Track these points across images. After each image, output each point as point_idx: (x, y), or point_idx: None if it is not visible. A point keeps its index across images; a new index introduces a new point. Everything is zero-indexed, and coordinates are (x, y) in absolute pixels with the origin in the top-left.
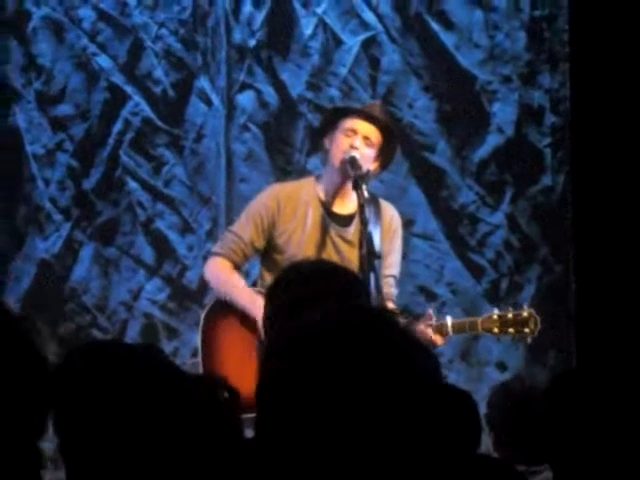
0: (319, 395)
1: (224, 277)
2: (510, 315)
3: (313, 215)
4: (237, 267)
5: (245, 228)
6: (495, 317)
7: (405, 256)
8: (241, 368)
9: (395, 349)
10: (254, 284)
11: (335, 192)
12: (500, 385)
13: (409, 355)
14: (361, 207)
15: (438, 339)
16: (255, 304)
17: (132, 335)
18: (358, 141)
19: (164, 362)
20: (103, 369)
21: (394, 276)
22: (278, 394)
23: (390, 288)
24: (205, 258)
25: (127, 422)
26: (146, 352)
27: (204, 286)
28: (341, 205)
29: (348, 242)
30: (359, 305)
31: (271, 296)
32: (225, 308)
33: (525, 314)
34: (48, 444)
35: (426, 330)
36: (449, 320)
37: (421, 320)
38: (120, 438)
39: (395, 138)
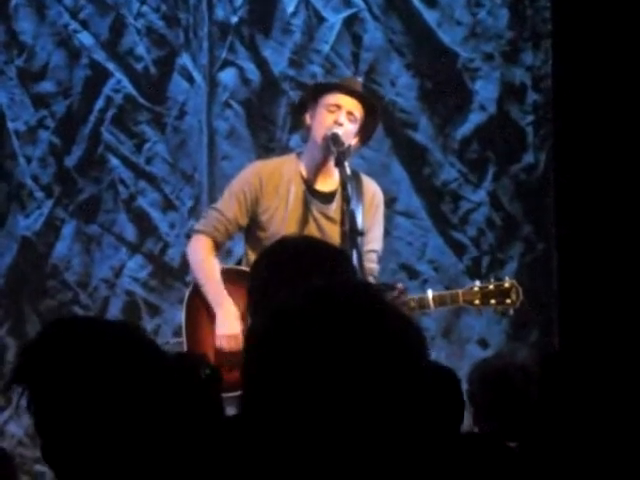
0: (305, 372)
1: (200, 261)
2: (491, 286)
3: (295, 192)
4: (219, 245)
5: (228, 205)
6: (476, 289)
7: (387, 233)
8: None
9: (384, 325)
10: (239, 262)
11: (317, 169)
12: (481, 361)
13: (398, 330)
14: (343, 184)
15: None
16: (219, 304)
17: (114, 312)
18: (342, 116)
19: (142, 338)
20: (79, 345)
21: (376, 251)
22: (264, 372)
23: (372, 264)
24: (187, 236)
25: (104, 399)
26: (124, 328)
27: (186, 264)
28: (323, 182)
29: (330, 219)
30: (346, 280)
31: (255, 273)
32: None
33: (507, 285)
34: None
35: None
36: (430, 293)
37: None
38: (97, 416)
39: (377, 113)
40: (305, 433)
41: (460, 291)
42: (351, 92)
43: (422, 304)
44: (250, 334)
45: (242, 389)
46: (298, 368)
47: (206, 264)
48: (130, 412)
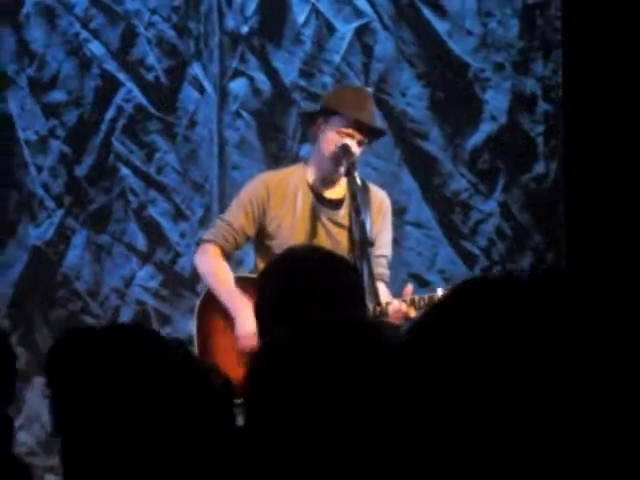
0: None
1: (212, 269)
2: None
3: (303, 200)
4: (228, 254)
5: (236, 215)
6: None
7: (397, 243)
8: (236, 356)
9: (378, 368)
10: (252, 272)
11: (325, 177)
12: None
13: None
14: (353, 195)
15: (411, 311)
16: (236, 307)
17: (124, 321)
18: (354, 143)
19: (157, 345)
20: (97, 351)
21: (385, 256)
22: (264, 397)
23: (381, 269)
24: (197, 245)
25: (120, 404)
26: (139, 334)
27: (196, 273)
28: (331, 189)
29: (339, 225)
30: (348, 321)
31: (262, 286)
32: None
33: None
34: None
35: (400, 305)
36: (440, 291)
37: (401, 297)
38: (113, 420)
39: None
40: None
41: None
42: (369, 130)
43: (432, 302)
44: (254, 365)
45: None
46: (301, 404)
47: (218, 269)
48: (145, 417)
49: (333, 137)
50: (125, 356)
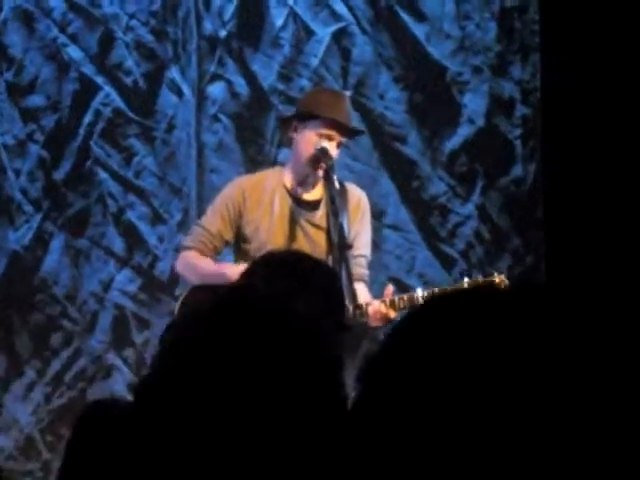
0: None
1: (196, 264)
2: (481, 282)
3: (280, 202)
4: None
5: (212, 221)
6: (466, 285)
7: (376, 246)
8: None
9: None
10: None
11: (302, 179)
12: None
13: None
14: (332, 198)
15: (391, 312)
16: (224, 267)
17: (103, 326)
18: (333, 147)
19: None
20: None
21: (364, 256)
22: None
23: (361, 269)
24: (176, 249)
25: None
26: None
27: (175, 277)
28: (308, 191)
29: (316, 226)
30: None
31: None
32: (200, 297)
33: (496, 279)
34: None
35: (380, 306)
36: (419, 291)
37: (382, 298)
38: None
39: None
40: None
41: (449, 288)
42: (347, 131)
43: (411, 303)
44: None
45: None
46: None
47: (199, 262)
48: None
49: (311, 139)
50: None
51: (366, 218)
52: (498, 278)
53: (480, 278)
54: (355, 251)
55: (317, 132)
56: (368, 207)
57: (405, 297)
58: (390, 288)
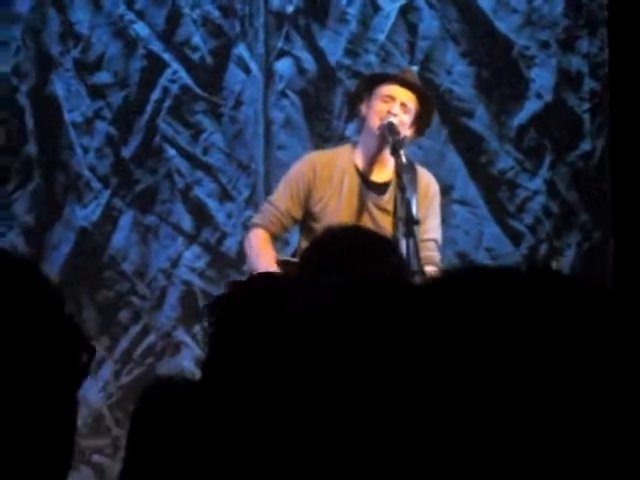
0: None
1: (257, 254)
2: None
3: (349, 183)
4: (276, 237)
5: (282, 198)
6: None
7: (444, 222)
8: None
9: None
10: (294, 254)
11: (372, 159)
12: None
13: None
14: (399, 173)
15: None
16: None
17: (171, 302)
18: (396, 107)
19: None
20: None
21: (434, 240)
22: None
23: (431, 252)
24: (244, 226)
25: None
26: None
27: (243, 254)
28: (377, 172)
29: (383, 210)
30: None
31: (304, 266)
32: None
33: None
34: None
35: None
36: None
37: None
38: None
39: (431, 104)
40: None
41: None
42: (405, 83)
43: None
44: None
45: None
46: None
47: (262, 254)
48: None
49: (378, 107)
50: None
51: (434, 203)
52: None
53: None
54: (424, 235)
55: (382, 97)
56: (438, 192)
57: None
58: None
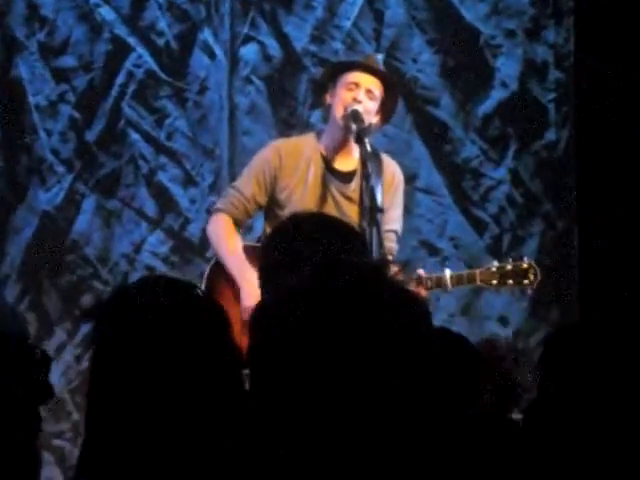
0: (313, 351)
1: (222, 238)
2: (509, 266)
3: (314, 171)
4: (239, 223)
5: (247, 184)
6: (494, 269)
7: (408, 210)
8: (242, 326)
9: (383, 301)
10: (259, 240)
11: (337, 147)
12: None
13: (398, 304)
14: (363, 161)
15: (421, 291)
16: (244, 277)
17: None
18: (361, 94)
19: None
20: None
21: (395, 231)
22: (271, 351)
23: (390, 243)
24: (208, 211)
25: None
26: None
27: (206, 239)
28: (342, 161)
29: (348, 198)
30: (348, 259)
31: (266, 252)
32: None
33: (524, 265)
34: None
35: (410, 283)
36: (447, 273)
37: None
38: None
39: (396, 90)
40: (311, 411)
41: (477, 271)
42: (369, 69)
43: (439, 283)
44: (258, 312)
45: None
46: (305, 346)
47: (228, 240)
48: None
49: (343, 96)
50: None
51: (399, 193)
52: (527, 264)
53: (509, 263)
54: (385, 225)
55: (346, 84)
56: (402, 181)
57: (433, 277)
58: (421, 271)
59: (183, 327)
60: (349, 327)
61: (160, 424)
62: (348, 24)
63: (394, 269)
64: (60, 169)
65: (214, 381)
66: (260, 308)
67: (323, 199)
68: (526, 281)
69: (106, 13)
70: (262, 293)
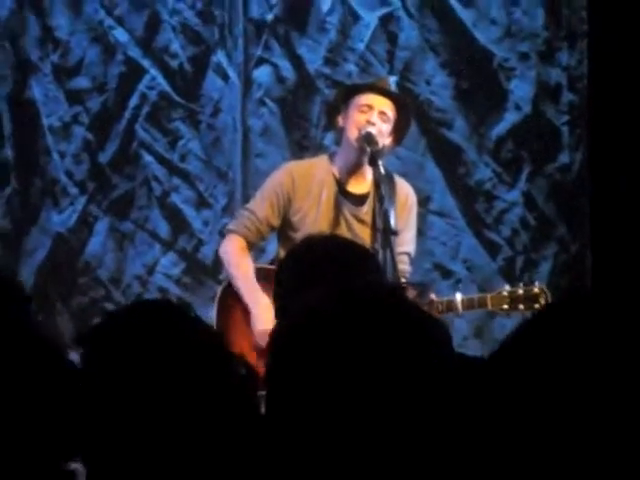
0: (332, 373)
1: (234, 260)
2: (520, 291)
3: (327, 193)
4: (252, 245)
5: (260, 206)
6: (505, 293)
7: (421, 233)
8: (253, 349)
9: (406, 324)
10: (272, 262)
11: (350, 170)
12: None
13: (420, 328)
14: (377, 183)
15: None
16: (254, 300)
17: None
18: (375, 116)
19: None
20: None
21: (408, 253)
22: (290, 373)
23: (404, 265)
24: (221, 233)
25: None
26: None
27: (219, 261)
28: (355, 184)
29: (361, 221)
30: (368, 282)
31: (281, 275)
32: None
33: (536, 290)
34: None
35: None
36: (458, 296)
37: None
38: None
39: (409, 112)
40: (330, 433)
41: (489, 295)
42: (382, 91)
43: (450, 307)
44: (276, 335)
45: (266, 389)
46: (325, 368)
47: (240, 263)
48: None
49: (356, 118)
50: (154, 335)
51: (412, 215)
52: (538, 288)
53: (521, 288)
54: (399, 248)
55: (359, 107)
56: (415, 203)
57: (444, 301)
58: (432, 295)
59: (175, 352)
60: (370, 349)
61: (158, 450)
62: (362, 46)
63: (412, 292)
64: (73, 191)
65: (209, 405)
66: (278, 331)
67: (336, 221)
68: (537, 306)
69: (120, 35)
70: (277, 316)
